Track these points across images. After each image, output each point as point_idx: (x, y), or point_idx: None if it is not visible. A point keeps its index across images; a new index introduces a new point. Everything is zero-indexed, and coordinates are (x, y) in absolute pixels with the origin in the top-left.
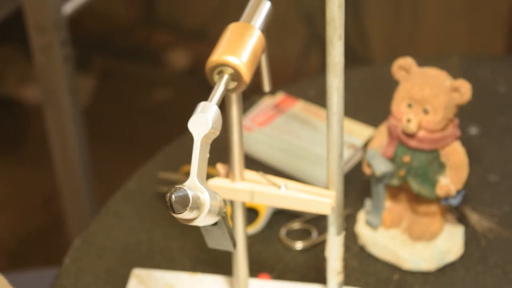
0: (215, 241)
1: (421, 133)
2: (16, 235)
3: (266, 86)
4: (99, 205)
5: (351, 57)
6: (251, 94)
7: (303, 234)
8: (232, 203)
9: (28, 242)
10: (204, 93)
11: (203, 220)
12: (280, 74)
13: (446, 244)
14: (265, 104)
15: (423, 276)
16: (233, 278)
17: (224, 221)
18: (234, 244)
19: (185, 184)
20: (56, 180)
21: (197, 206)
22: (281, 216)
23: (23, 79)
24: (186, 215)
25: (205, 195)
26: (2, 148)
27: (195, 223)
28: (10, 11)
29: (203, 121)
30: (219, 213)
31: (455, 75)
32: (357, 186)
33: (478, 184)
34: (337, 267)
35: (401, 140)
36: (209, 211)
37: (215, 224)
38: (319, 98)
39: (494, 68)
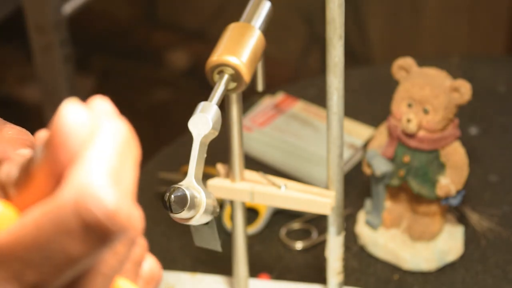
0: (204, 240)
1: (421, 133)
2: None
3: (260, 86)
4: None
5: (351, 57)
6: (251, 94)
7: (303, 234)
8: (232, 203)
9: None
10: (204, 93)
11: (199, 219)
12: (280, 74)
13: (446, 244)
14: (265, 104)
15: (423, 276)
16: (233, 278)
17: (215, 220)
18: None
19: (182, 183)
20: None
21: (194, 206)
22: (281, 216)
23: (23, 79)
24: (183, 214)
25: (202, 194)
26: None
27: (190, 222)
28: (10, 11)
29: (203, 121)
30: (213, 212)
31: (455, 75)
32: (357, 186)
33: (478, 184)
34: (337, 267)
35: (401, 140)
36: (205, 211)
37: (206, 223)
38: (319, 98)
39: (494, 68)
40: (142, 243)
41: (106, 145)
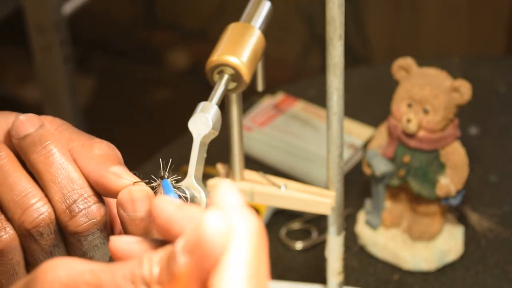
0: None
1: (421, 133)
2: None
3: (260, 86)
4: None
5: (351, 57)
6: (251, 94)
7: (303, 234)
8: None
9: None
10: (204, 93)
11: None
12: (280, 74)
13: (446, 244)
14: (265, 104)
15: (423, 276)
16: None
17: None
18: None
19: (182, 183)
20: None
21: None
22: (281, 216)
23: (23, 79)
24: None
25: (202, 194)
26: None
27: None
28: (10, 11)
29: (203, 121)
30: None
31: (455, 75)
32: (357, 186)
33: (478, 184)
34: (337, 267)
35: (401, 140)
36: None
37: None
38: (319, 98)
39: (494, 68)
40: None
41: (242, 248)
